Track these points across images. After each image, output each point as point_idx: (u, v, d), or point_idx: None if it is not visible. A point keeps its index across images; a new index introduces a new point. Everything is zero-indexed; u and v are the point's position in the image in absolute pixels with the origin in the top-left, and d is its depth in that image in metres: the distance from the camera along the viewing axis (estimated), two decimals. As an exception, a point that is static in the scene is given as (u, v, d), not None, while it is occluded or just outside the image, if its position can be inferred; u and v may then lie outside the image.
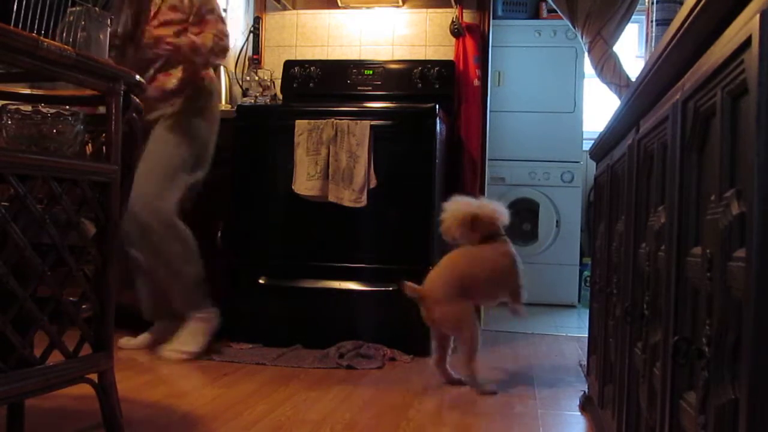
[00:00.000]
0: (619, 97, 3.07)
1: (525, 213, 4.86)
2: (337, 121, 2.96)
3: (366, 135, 2.90)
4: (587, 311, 2.39)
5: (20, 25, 1.60)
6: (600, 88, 3.56)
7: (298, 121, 3.00)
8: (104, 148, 1.60)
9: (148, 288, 2.84)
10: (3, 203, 1.35)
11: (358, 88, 3.59)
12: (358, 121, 2.93)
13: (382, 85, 3.59)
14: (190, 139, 2.76)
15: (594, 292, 2.20)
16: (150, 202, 2.62)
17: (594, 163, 2.30)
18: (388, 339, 2.87)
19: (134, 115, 1.67)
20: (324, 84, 3.61)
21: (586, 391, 2.21)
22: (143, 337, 2.87)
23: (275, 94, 3.70)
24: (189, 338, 2.74)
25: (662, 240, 1.08)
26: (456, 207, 2.52)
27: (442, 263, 2.52)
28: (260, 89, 3.62)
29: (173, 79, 2.75)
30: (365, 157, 2.87)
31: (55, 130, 1.53)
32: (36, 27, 1.63)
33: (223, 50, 2.78)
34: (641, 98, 1.29)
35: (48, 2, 1.62)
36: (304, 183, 2.96)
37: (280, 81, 3.73)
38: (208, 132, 2.84)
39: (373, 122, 2.92)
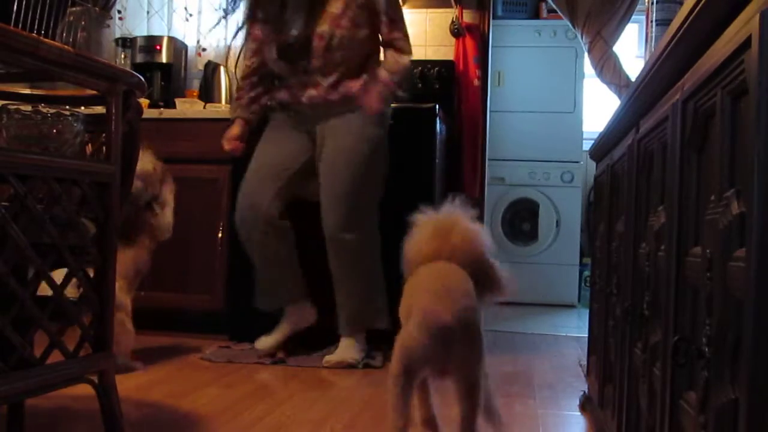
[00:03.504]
0: (619, 97, 3.07)
1: (525, 213, 4.86)
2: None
3: None
4: (587, 311, 2.39)
5: (20, 25, 1.60)
6: (600, 88, 3.57)
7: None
8: (104, 148, 1.60)
9: None
10: (3, 203, 1.35)
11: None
12: None
13: (382, 85, 3.59)
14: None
15: (594, 292, 2.20)
16: None
17: (594, 163, 2.30)
18: (388, 338, 2.86)
19: (134, 115, 1.67)
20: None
21: (586, 391, 2.21)
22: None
23: (275, 94, 3.70)
24: (351, 348, 2.72)
25: (662, 240, 1.07)
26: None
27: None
28: (260, 89, 3.62)
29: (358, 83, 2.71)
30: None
31: (55, 130, 1.52)
32: (36, 27, 1.63)
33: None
34: (641, 98, 1.29)
35: (48, 2, 1.62)
36: None
37: (280, 81, 3.73)
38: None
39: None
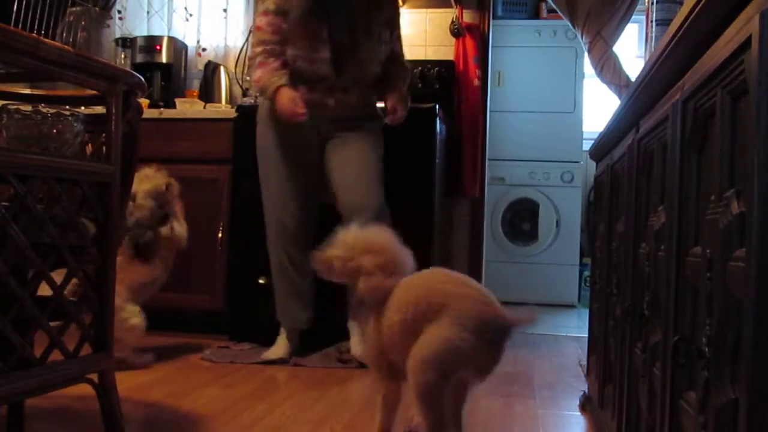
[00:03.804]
0: (619, 97, 3.07)
1: (525, 213, 4.86)
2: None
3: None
4: (587, 311, 2.39)
5: (20, 25, 1.60)
6: (600, 88, 3.57)
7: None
8: (104, 148, 1.60)
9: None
10: (3, 203, 1.35)
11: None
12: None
13: (382, 85, 3.59)
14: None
15: (594, 292, 2.20)
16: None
17: (594, 163, 2.30)
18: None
19: (134, 115, 1.67)
20: (324, 84, 3.61)
21: (586, 391, 2.21)
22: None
23: (275, 94, 3.70)
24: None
25: (662, 240, 1.07)
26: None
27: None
28: (260, 89, 3.62)
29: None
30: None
31: (55, 130, 1.52)
32: (36, 27, 1.63)
33: None
34: (641, 98, 1.29)
35: (48, 2, 1.62)
36: None
37: (280, 81, 3.73)
38: None
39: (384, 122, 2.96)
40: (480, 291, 1.62)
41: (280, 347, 2.78)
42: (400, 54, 2.84)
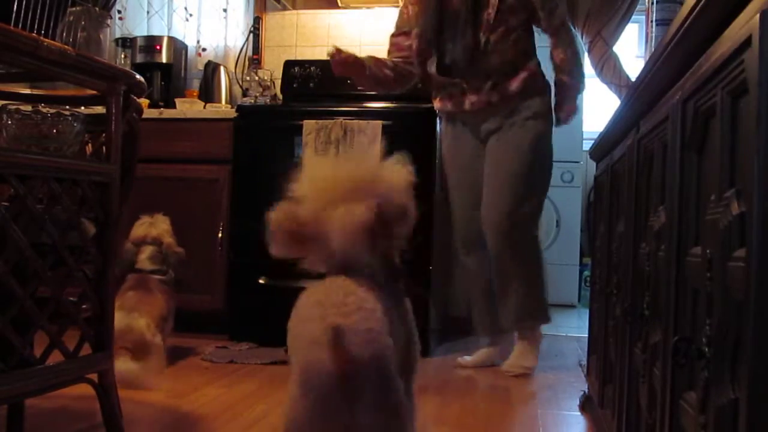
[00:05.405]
0: (619, 97, 3.06)
1: (525, 213, 4.85)
2: (346, 121, 2.98)
3: (378, 134, 2.96)
4: (587, 311, 2.39)
5: (20, 25, 1.60)
6: (600, 88, 3.56)
7: (306, 121, 3.01)
8: (104, 148, 1.60)
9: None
10: (3, 203, 1.35)
11: (359, 88, 3.59)
12: (370, 121, 2.96)
13: (382, 85, 3.58)
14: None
15: (594, 292, 2.19)
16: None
17: (594, 163, 2.30)
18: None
19: (134, 115, 1.67)
20: (324, 84, 3.62)
21: (586, 391, 2.21)
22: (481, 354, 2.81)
23: (275, 94, 3.71)
24: (528, 354, 2.71)
25: (662, 240, 1.07)
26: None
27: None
28: (260, 89, 3.62)
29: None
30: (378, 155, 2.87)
31: (55, 130, 1.53)
32: (36, 27, 1.63)
33: None
34: (641, 98, 1.29)
35: (48, 2, 1.62)
36: None
37: (280, 81, 3.73)
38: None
39: (384, 122, 2.97)
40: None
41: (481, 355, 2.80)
42: (555, 32, 2.74)
